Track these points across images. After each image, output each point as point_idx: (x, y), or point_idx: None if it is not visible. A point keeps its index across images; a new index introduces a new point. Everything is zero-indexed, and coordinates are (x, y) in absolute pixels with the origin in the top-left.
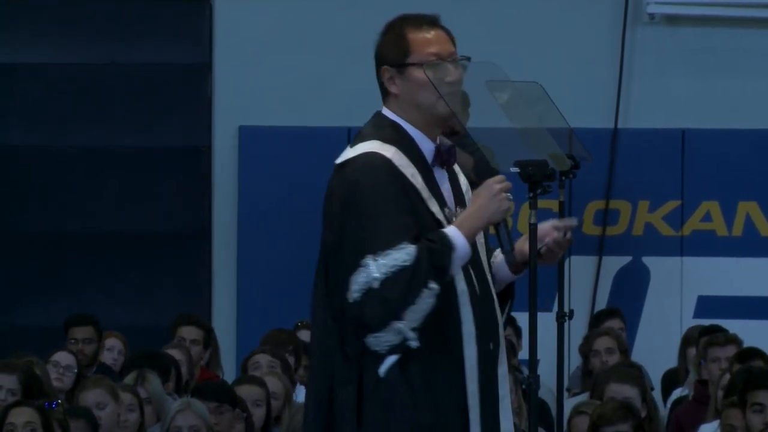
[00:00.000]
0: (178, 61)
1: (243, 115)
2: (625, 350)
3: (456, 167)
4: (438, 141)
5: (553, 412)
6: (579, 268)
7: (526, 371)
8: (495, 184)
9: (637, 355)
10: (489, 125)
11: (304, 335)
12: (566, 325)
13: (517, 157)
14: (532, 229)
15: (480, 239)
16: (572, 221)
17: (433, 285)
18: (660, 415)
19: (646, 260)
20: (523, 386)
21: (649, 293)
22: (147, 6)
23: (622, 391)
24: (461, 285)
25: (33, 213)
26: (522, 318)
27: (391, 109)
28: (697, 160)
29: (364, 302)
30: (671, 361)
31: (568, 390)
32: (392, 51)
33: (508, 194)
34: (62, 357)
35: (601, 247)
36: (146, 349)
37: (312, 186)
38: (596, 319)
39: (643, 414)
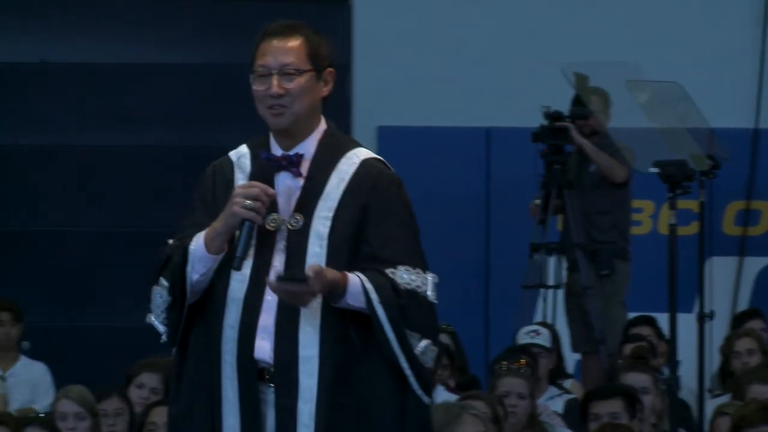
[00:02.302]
0: None
1: (382, 116)
2: (767, 351)
3: (340, 171)
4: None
5: (695, 413)
6: (720, 269)
7: (666, 372)
8: (238, 188)
9: None
10: (629, 125)
11: (440, 337)
12: (707, 326)
13: (656, 157)
14: (672, 230)
15: (320, 248)
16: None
17: (164, 281)
18: None
19: None
20: (664, 387)
21: None
22: (286, 7)
23: (764, 392)
24: (237, 291)
25: None
26: (662, 319)
27: None
28: None
29: None
30: None
31: (710, 391)
32: (251, 59)
33: (247, 201)
34: None
35: (742, 247)
36: None
37: (451, 185)
38: (737, 320)
39: None
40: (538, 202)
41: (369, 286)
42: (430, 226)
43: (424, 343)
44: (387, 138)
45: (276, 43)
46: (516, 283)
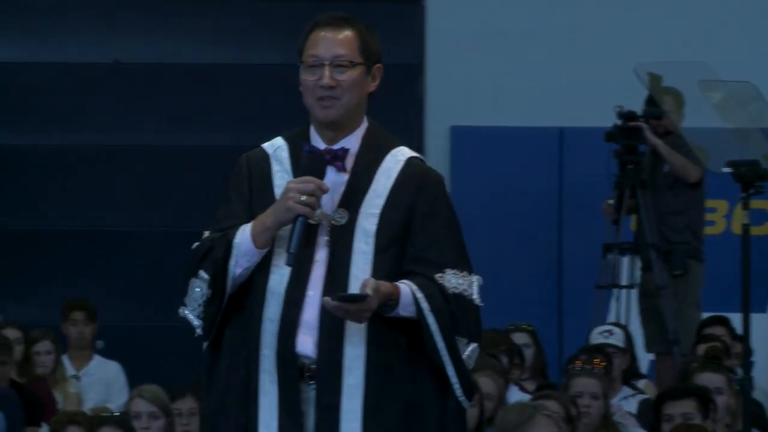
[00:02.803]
0: (390, 62)
1: (455, 116)
2: None
3: (385, 169)
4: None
5: None
6: None
7: (740, 372)
8: (290, 183)
9: None
10: (702, 125)
11: (517, 337)
12: None
13: (729, 157)
14: (745, 230)
15: (367, 246)
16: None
17: (204, 274)
18: None
19: None
20: (737, 387)
21: None
22: (359, 7)
23: None
24: (277, 285)
25: None
26: (735, 319)
27: None
28: None
29: None
30: None
31: None
32: (300, 47)
33: (302, 196)
34: None
35: None
36: None
37: (524, 186)
38: None
39: None
40: (611, 202)
41: (420, 295)
42: (503, 226)
43: (471, 347)
44: (460, 138)
45: (329, 34)
46: (589, 283)
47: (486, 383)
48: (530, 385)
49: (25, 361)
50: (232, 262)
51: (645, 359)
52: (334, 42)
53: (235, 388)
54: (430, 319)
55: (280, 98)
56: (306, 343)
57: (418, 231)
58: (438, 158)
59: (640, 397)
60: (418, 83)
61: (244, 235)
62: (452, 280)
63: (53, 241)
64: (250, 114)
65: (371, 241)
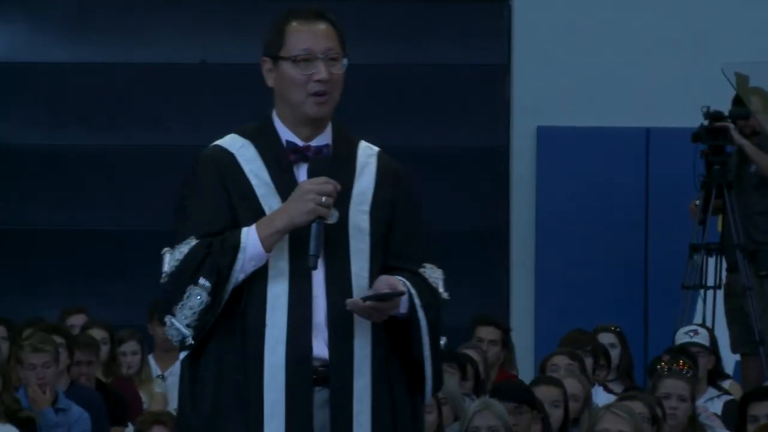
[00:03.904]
0: (476, 62)
1: (541, 116)
2: None
3: (362, 164)
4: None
5: None
6: None
7: None
8: (308, 184)
9: None
10: None
11: (603, 337)
12: None
13: None
14: None
15: (362, 244)
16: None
17: (205, 282)
18: None
19: None
20: None
21: None
22: (445, 7)
23: None
24: (278, 287)
25: None
26: None
27: (274, 103)
28: None
29: (160, 296)
30: None
31: None
32: (271, 42)
33: (323, 198)
34: None
35: None
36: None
37: (610, 186)
38: None
39: None
40: (697, 202)
41: (413, 291)
42: (588, 227)
43: (443, 341)
44: (546, 138)
45: (314, 27)
46: (675, 283)
47: (571, 384)
48: (616, 387)
49: (111, 362)
50: (237, 267)
51: (730, 360)
52: (323, 35)
53: (228, 396)
54: (421, 315)
55: (358, 97)
56: (319, 346)
57: (400, 227)
58: (524, 158)
59: (726, 398)
60: (505, 83)
61: (250, 238)
62: (432, 274)
63: (140, 241)
64: (337, 112)
65: (366, 238)
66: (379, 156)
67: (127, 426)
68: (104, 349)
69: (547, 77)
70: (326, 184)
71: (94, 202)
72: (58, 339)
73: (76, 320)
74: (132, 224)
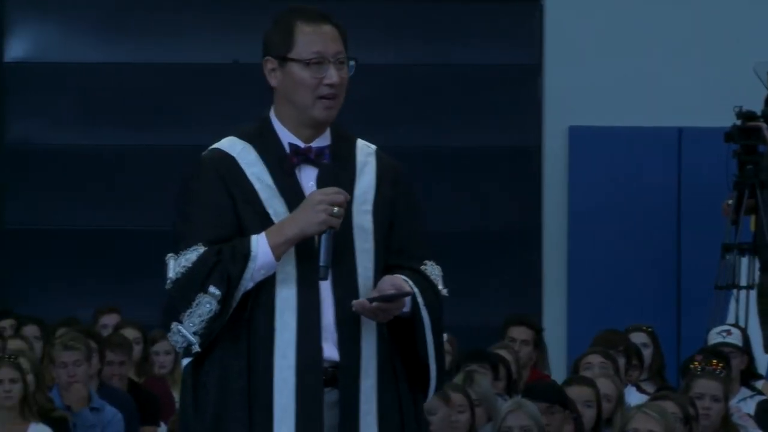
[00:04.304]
0: (508, 62)
1: (573, 116)
2: None
3: (362, 163)
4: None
5: None
6: None
7: None
8: (319, 194)
9: None
10: None
11: (635, 337)
12: None
13: None
14: None
15: (367, 243)
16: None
17: (215, 290)
18: None
19: None
20: None
21: None
22: (477, 7)
23: None
24: (286, 291)
25: None
26: None
27: (274, 103)
28: None
29: (164, 301)
30: None
31: None
32: (277, 42)
33: (334, 208)
34: None
35: None
36: (475, 348)
37: (642, 186)
38: None
39: None
40: (730, 202)
41: (416, 289)
42: (621, 226)
43: (445, 337)
44: (578, 138)
45: (321, 29)
46: (707, 283)
47: (604, 384)
48: (649, 387)
49: (143, 361)
50: (247, 276)
51: (763, 360)
52: (332, 38)
53: (232, 401)
54: (425, 314)
55: (390, 97)
56: (328, 348)
57: (400, 224)
58: (556, 158)
59: (759, 398)
60: (537, 83)
61: (260, 247)
62: (432, 271)
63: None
64: (362, 113)
65: (370, 238)
66: (378, 154)
67: (159, 426)
68: (137, 349)
69: (579, 77)
70: (337, 194)
71: (128, 202)
72: (90, 344)
73: (109, 320)
74: (166, 224)
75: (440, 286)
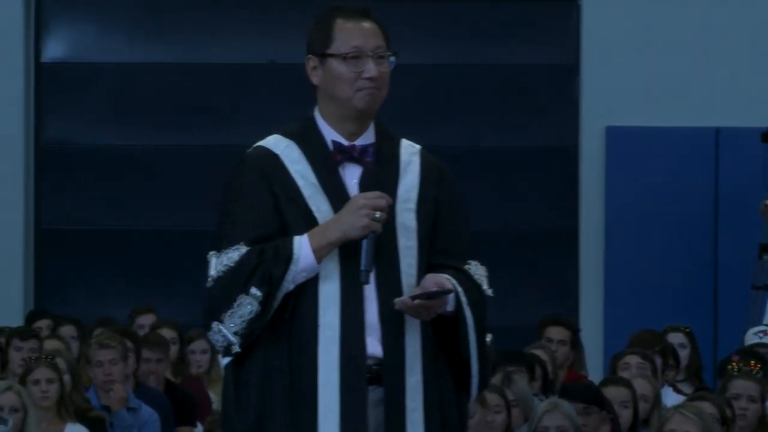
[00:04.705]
0: (545, 62)
1: (610, 116)
2: None
3: (406, 162)
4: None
5: None
6: None
7: None
8: (362, 198)
9: None
10: None
11: (673, 337)
12: None
13: None
14: None
15: (410, 241)
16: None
17: (256, 291)
18: None
19: None
20: None
21: None
22: (515, 7)
23: None
24: (329, 288)
25: None
26: None
27: (317, 101)
28: None
29: (203, 299)
30: None
31: None
32: (317, 40)
33: (376, 213)
34: None
35: None
36: (511, 349)
37: (679, 186)
38: None
39: None
40: (767, 202)
41: (459, 288)
42: (658, 227)
43: (489, 337)
44: (615, 138)
45: (361, 24)
46: (745, 283)
47: (641, 384)
48: (685, 387)
49: (180, 361)
50: (288, 278)
51: None
52: (371, 33)
53: (275, 400)
54: (468, 313)
55: (427, 97)
56: (372, 344)
57: (443, 224)
58: (593, 158)
59: None
60: (574, 83)
61: (303, 249)
62: (476, 271)
63: (209, 241)
64: (403, 113)
65: (413, 236)
66: (422, 154)
67: (195, 426)
68: (173, 349)
69: (616, 77)
70: (379, 198)
71: (163, 202)
72: (126, 343)
73: (146, 320)
74: (201, 224)
75: (485, 286)
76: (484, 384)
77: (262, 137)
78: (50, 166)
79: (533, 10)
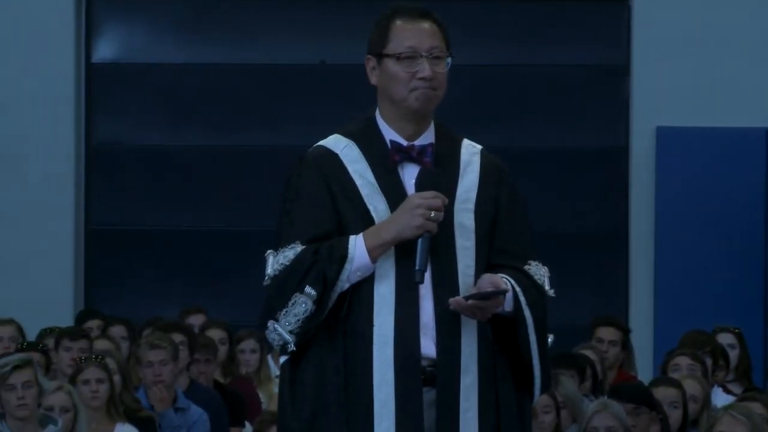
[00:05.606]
0: (595, 63)
1: (660, 116)
2: None
3: (466, 162)
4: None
5: None
6: None
7: None
8: (417, 198)
9: None
10: None
11: (722, 338)
12: None
13: None
14: None
15: (468, 242)
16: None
17: (311, 290)
18: None
19: None
20: None
21: None
22: (565, 7)
23: None
24: (384, 288)
25: None
26: None
27: (377, 102)
28: None
29: (264, 297)
30: None
31: None
32: (375, 40)
33: (432, 212)
34: None
35: None
36: (562, 352)
37: (729, 186)
38: None
39: None
40: None
41: (518, 289)
42: (708, 227)
43: (551, 338)
44: (665, 138)
45: (418, 25)
46: None
47: (691, 385)
48: (735, 388)
49: (229, 361)
50: (343, 277)
51: None
52: (428, 33)
53: (330, 398)
54: (527, 313)
55: (477, 98)
56: (427, 344)
57: (503, 224)
58: (643, 159)
59: None
60: (624, 84)
61: (357, 249)
62: (537, 271)
63: (258, 242)
64: (453, 114)
65: (471, 236)
66: (482, 154)
67: (244, 426)
68: (222, 350)
69: (667, 77)
70: (435, 198)
71: (212, 203)
72: (179, 337)
73: (195, 320)
74: (249, 225)
75: (546, 287)
76: (546, 385)
77: (311, 138)
78: (100, 166)
79: (584, 11)
